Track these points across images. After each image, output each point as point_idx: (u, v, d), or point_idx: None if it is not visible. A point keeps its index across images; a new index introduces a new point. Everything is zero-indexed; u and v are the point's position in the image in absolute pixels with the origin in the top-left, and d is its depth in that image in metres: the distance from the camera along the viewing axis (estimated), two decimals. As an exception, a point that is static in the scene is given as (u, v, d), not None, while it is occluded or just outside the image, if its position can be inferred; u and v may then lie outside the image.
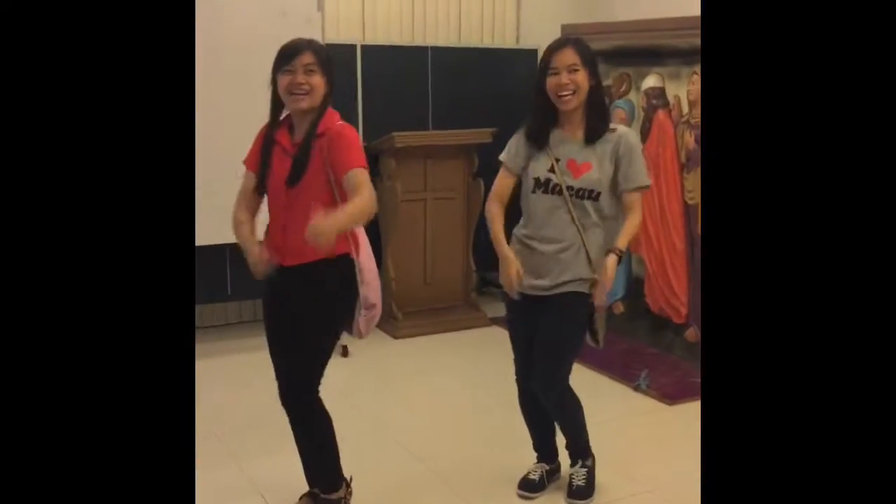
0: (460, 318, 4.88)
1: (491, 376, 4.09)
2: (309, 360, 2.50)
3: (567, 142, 2.63)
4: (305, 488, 2.73)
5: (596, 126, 2.61)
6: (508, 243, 2.72)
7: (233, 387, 3.93)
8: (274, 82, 2.45)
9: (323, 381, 2.57)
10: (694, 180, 4.15)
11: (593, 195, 2.60)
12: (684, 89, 4.19)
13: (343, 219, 2.26)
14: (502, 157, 2.75)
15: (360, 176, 2.35)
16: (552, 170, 2.61)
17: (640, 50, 4.39)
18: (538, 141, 2.64)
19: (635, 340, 4.38)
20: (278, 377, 2.57)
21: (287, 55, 2.40)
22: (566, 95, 2.54)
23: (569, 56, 2.54)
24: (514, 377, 2.86)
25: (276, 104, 2.50)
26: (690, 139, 4.12)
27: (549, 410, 2.79)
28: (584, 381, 2.89)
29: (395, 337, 4.63)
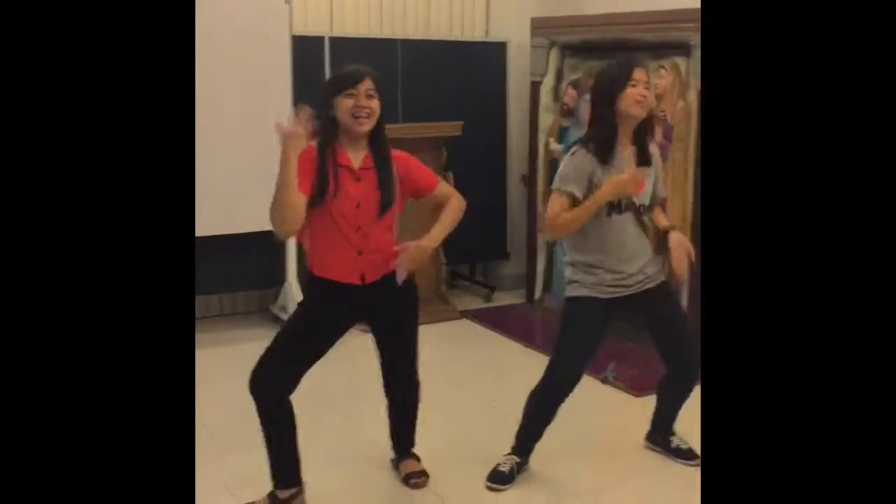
0: (430, 311, 4.86)
1: (461, 369, 4.10)
2: (414, 347, 2.84)
3: (627, 161, 2.76)
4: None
5: (648, 146, 2.83)
6: (563, 268, 2.89)
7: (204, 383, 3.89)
8: (329, 104, 2.51)
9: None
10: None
11: (649, 209, 2.86)
12: (651, 83, 4.21)
13: (442, 233, 2.67)
14: (561, 185, 2.72)
15: (445, 186, 2.78)
16: None
17: (607, 43, 4.41)
18: (606, 155, 2.71)
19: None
20: (384, 367, 2.82)
21: (350, 80, 2.50)
22: (645, 104, 2.72)
23: (645, 74, 2.75)
24: (556, 371, 2.86)
25: (331, 126, 2.53)
26: (658, 133, 4.15)
27: (693, 384, 2.99)
28: (552, 373, 2.91)
29: (365, 330, 4.61)
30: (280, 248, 4.56)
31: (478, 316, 4.95)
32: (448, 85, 5.12)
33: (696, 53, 3.90)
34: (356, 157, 2.56)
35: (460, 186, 4.89)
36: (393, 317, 2.75)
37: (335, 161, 2.53)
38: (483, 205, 5.26)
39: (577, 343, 2.84)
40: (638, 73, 2.71)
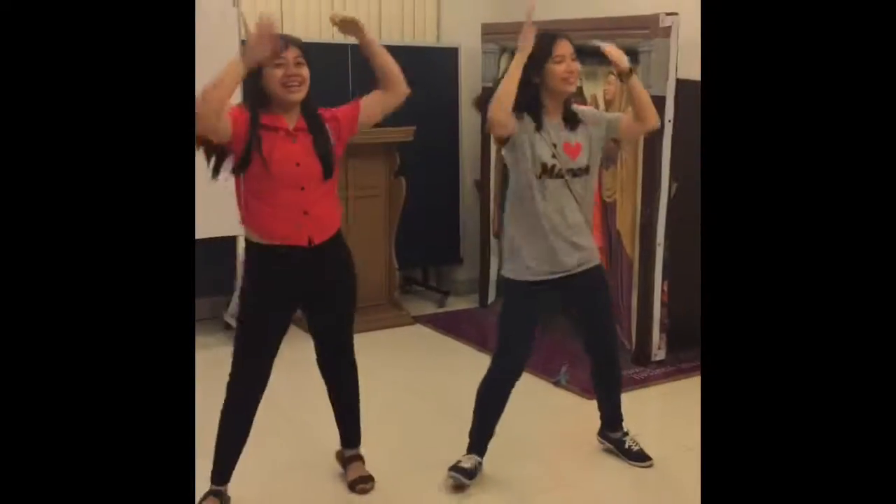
0: (383, 317, 4.86)
1: (415, 374, 4.10)
2: (352, 322, 2.78)
3: (557, 128, 2.80)
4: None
5: (574, 111, 2.83)
6: (498, 236, 2.84)
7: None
8: (258, 74, 2.45)
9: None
10: (611, 178, 4.23)
11: (587, 172, 2.83)
12: (601, 89, 4.27)
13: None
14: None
15: (367, 96, 2.74)
16: (554, 155, 2.76)
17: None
18: (538, 124, 2.75)
19: (555, 336, 4.44)
20: (321, 344, 2.76)
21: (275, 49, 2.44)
22: (573, 80, 2.74)
23: (569, 46, 2.75)
24: (498, 364, 2.90)
25: (262, 96, 2.49)
26: (608, 138, 4.20)
27: (619, 373, 3.11)
28: (506, 377, 2.91)
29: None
30: (232, 257, 4.50)
31: (431, 321, 4.95)
32: (400, 90, 5.10)
33: (645, 60, 3.95)
34: (290, 120, 2.53)
35: (413, 192, 4.95)
36: (338, 281, 2.69)
37: (264, 125, 2.48)
38: (436, 210, 5.28)
39: (516, 327, 2.88)
40: (561, 48, 2.73)
